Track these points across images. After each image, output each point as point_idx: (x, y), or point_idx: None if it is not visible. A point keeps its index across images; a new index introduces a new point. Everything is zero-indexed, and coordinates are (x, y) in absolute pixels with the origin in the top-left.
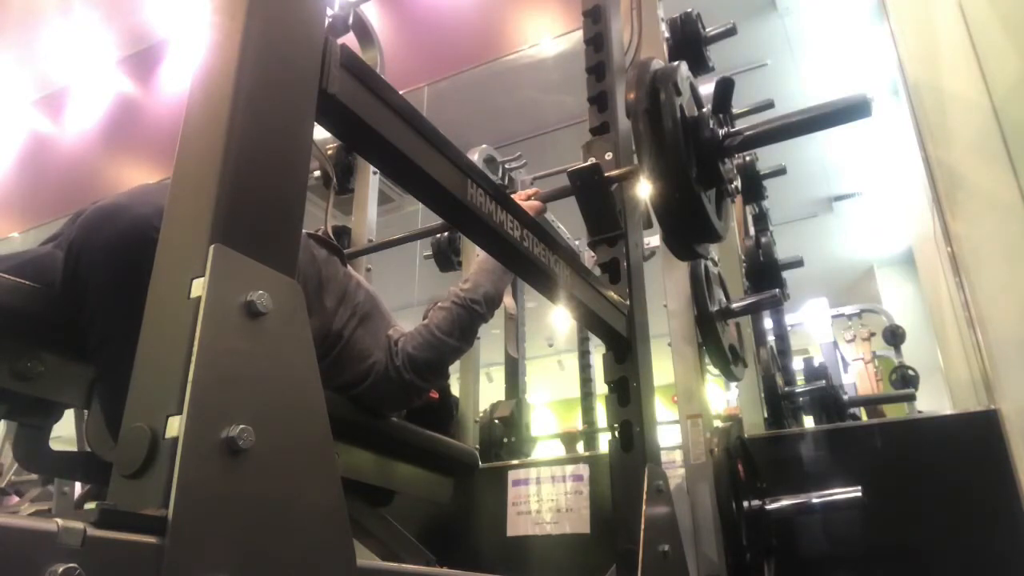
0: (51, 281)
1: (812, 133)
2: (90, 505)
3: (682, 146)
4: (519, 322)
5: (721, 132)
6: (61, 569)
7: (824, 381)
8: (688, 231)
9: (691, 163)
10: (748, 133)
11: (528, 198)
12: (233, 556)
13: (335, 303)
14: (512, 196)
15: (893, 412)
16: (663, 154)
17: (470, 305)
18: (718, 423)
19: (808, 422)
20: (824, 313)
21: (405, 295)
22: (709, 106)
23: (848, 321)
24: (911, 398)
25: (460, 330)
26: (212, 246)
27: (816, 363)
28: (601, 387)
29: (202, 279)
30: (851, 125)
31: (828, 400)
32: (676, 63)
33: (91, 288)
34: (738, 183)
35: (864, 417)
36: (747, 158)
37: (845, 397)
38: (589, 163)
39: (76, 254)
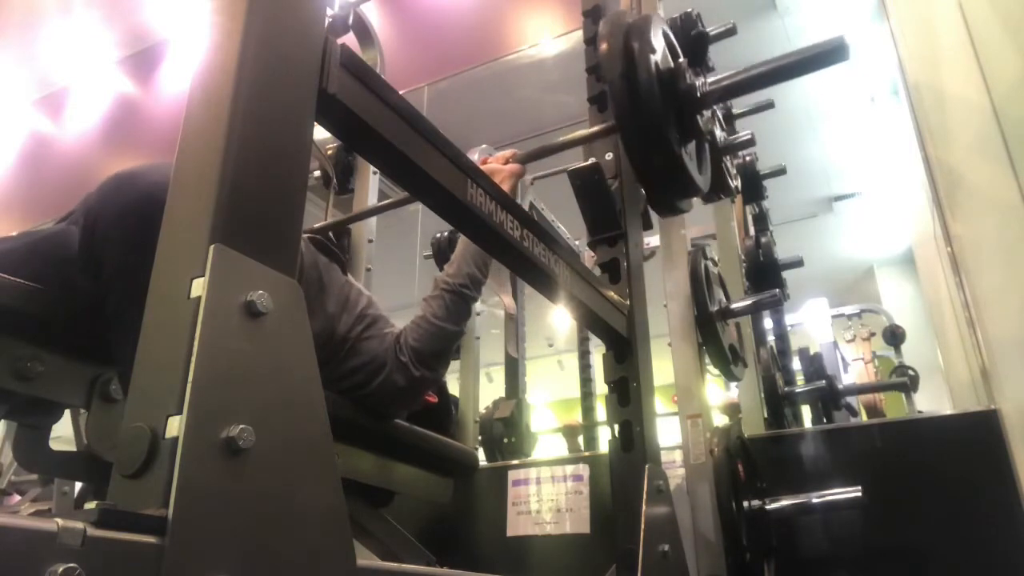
0: (69, 254)
1: (791, 79)
2: (90, 505)
3: (658, 98)
4: (519, 322)
5: (698, 82)
6: (61, 569)
7: (823, 379)
8: (667, 186)
9: (668, 116)
10: (726, 82)
11: (506, 161)
12: (233, 556)
13: (337, 309)
14: (490, 159)
15: (893, 412)
16: (638, 108)
17: (459, 289)
18: (717, 414)
19: (805, 413)
20: (824, 313)
21: (405, 295)
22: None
23: (848, 321)
24: (905, 387)
25: (455, 314)
26: (212, 246)
27: (811, 353)
28: (601, 387)
29: (202, 279)
30: (851, 125)
31: (824, 390)
32: (650, 14)
33: (107, 255)
34: (739, 181)
35: (864, 417)
36: (747, 158)
37: (840, 386)
38: (589, 163)
39: (93, 220)
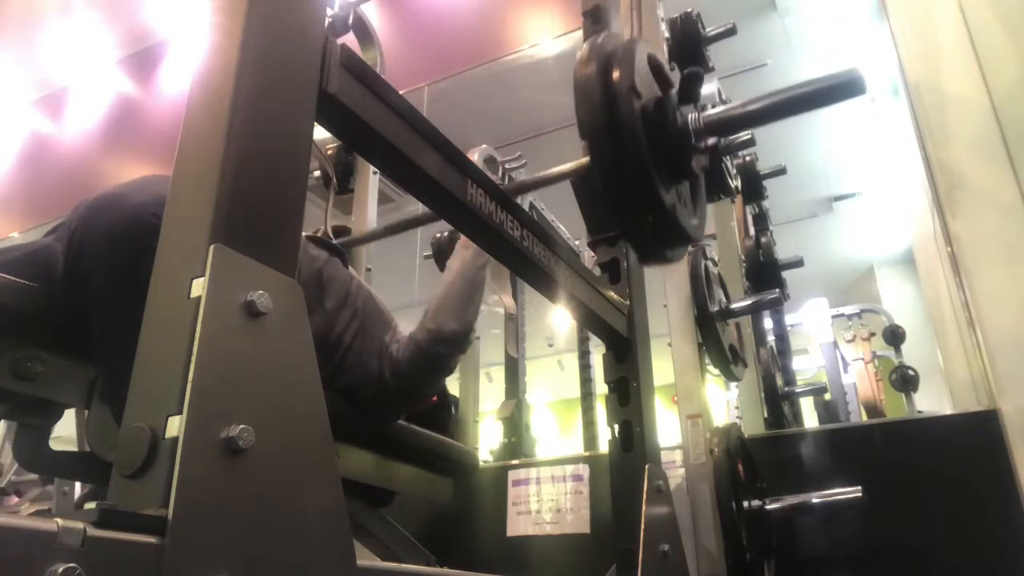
0: (51, 274)
1: (799, 114)
2: (90, 505)
3: (640, 134)
4: (519, 322)
5: (690, 117)
6: (61, 569)
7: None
8: (650, 235)
9: (653, 160)
10: (724, 116)
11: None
12: (233, 556)
13: (337, 304)
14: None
15: (893, 412)
16: (614, 145)
17: (435, 349)
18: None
19: (813, 421)
20: (824, 313)
21: (405, 295)
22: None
23: (848, 321)
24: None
25: (429, 374)
26: (212, 246)
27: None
28: (601, 387)
29: (202, 279)
30: (851, 125)
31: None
32: (635, 39)
33: (92, 277)
34: (739, 181)
35: (864, 417)
36: (747, 158)
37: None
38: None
39: (77, 243)
